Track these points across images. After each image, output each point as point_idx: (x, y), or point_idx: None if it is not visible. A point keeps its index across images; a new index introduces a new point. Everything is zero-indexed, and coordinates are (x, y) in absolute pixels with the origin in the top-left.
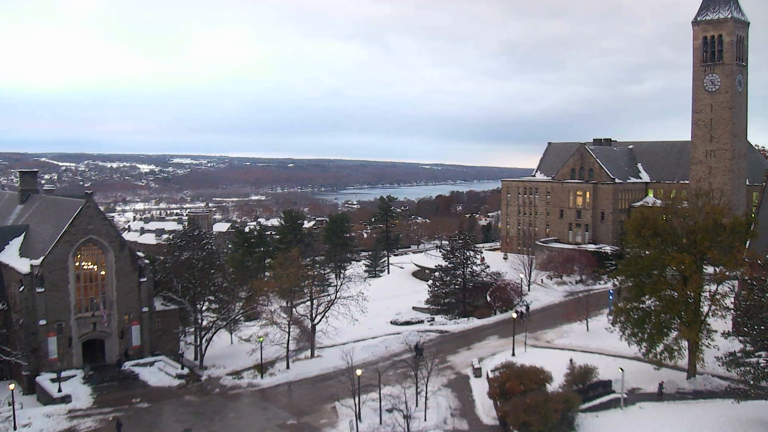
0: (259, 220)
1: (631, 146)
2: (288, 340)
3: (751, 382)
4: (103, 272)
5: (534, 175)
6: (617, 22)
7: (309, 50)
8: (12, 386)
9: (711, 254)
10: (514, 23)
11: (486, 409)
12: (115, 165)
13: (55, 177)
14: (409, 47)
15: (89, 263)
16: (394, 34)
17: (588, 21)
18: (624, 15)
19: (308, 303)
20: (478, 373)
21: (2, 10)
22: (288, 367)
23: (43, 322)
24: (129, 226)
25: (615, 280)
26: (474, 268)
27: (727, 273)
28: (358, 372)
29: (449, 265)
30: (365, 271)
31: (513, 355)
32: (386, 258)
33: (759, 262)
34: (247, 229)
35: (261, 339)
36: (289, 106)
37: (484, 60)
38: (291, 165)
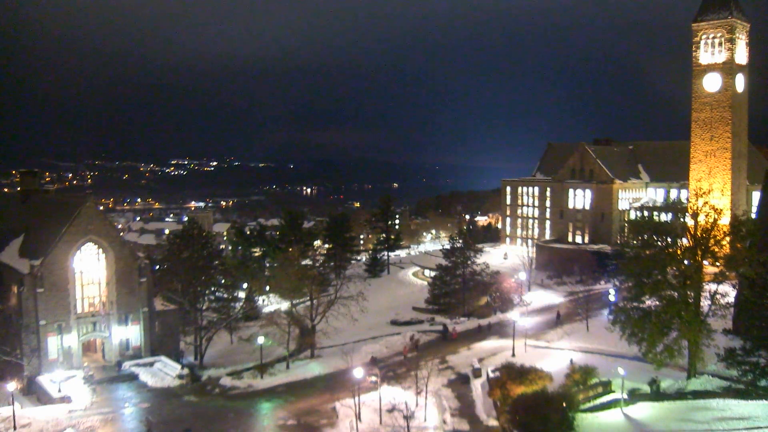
0: (259, 220)
1: (631, 146)
2: (288, 341)
3: (751, 380)
4: (102, 272)
5: (534, 175)
6: None
7: None
8: (12, 386)
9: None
10: None
11: (486, 409)
12: (115, 165)
13: (56, 177)
14: None
15: (89, 263)
16: None
17: None
18: None
19: (308, 303)
20: (478, 373)
21: None
22: (288, 367)
23: (43, 322)
24: (129, 226)
25: (615, 280)
26: (474, 267)
27: (727, 272)
28: (358, 372)
29: (449, 265)
30: (365, 270)
31: (513, 355)
32: (386, 258)
33: (759, 261)
34: (247, 229)
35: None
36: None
37: None
38: (291, 165)
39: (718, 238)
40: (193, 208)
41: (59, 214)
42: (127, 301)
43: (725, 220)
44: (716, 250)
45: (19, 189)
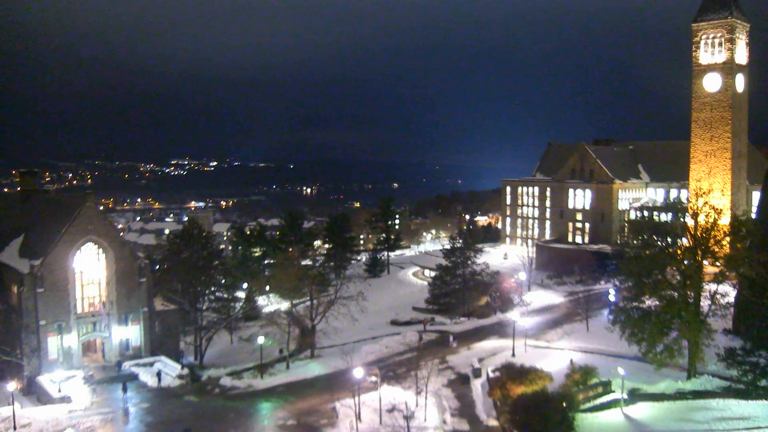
0: (259, 220)
1: (631, 146)
2: (288, 341)
3: (751, 380)
4: (102, 272)
5: (534, 175)
6: None
7: None
8: (12, 386)
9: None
10: None
11: (486, 409)
12: (115, 165)
13: (56, 177)
14: None
15: (89, 263)
16: None
17: None
18: None
19: (308, 303)
20: (478, 373)
21: None
22: (288, 367)
23: (43, 322)
24: (129, 226)
25: (615, 280)
26: (474, 267)
27: (727, 272)
28: (358, 372)
29: (449, 265)
30: (365, 270)
31: (513, 355)
32: (386, 258)
33: (759, 261)
34: (247, 229)
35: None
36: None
37: None
38: (291, 165)
39: (718, 238)
40: (193, 208)
41: (59, 214)
42: (127, 301)
43: (725, 220)
44: (716, 250)
45: (19, 189)
